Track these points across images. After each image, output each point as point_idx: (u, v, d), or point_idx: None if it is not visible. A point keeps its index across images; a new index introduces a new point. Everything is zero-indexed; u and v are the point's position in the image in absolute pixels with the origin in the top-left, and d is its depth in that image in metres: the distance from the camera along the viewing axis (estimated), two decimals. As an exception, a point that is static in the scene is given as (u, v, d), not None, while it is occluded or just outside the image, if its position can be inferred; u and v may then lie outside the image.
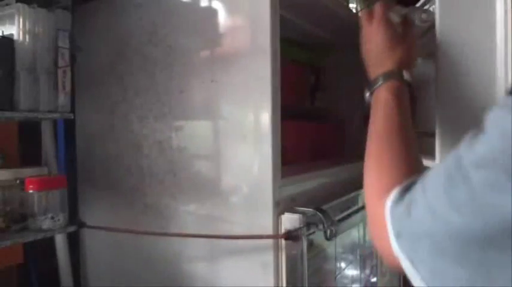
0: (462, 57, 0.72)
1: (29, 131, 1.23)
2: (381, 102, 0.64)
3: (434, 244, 0.39)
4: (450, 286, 0.39)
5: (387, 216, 0.46)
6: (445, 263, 0.38)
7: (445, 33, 0.73)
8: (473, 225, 0.35)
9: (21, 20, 0.92)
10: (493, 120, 0.36)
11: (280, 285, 0.89)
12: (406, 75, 0.66)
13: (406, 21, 0.73)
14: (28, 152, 1.22)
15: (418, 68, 0.76)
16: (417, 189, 0.44)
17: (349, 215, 1.10)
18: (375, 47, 0.69)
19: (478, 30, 0.72)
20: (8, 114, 0.88)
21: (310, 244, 0.93)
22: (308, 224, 0.88)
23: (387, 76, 0.65)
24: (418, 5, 0.84)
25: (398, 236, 0.44)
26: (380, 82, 0.65)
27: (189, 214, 1.02)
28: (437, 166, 0.44)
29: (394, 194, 0.47)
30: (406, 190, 0.46)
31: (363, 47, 0.72)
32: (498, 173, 0.33)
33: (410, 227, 0.42)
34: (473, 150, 0.37)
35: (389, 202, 0.47)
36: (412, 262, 0.42)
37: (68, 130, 1.24)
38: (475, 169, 0.36)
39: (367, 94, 0.68)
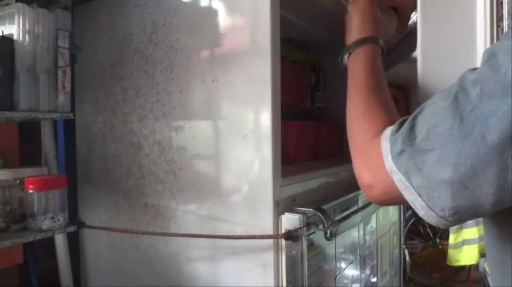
0: (443, 59, 0.73)
1: (29, 131, 1.23)
2: (364, 59, 0.74)
3: (439, 153, 0.45)
4: (437, 193, 0.46)
5: (384, 143, 0.52)
6: (443, 171, 0.44)
7: (426, 35, 0.73)
8: (474, 131, 0.42)
9: (21, 20, 0.92)
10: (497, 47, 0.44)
11: (280, 285, 0.89)
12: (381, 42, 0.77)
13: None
14: (28, 152, 1.23)
15: (399, 72, 0.79)
16: (417, 114, 0.50)
17: (349, 215, 1.10)
18: (360, 16, 0.80)
19: (459, 32, 0.72)
20: (8, 114, 0.88)
21: (310, 244, 0.92)
22: (308, 224, 0.88)
23: (369, 40, 0.76)
24: None
25: (399, 154, 0.49)
26: (362, 43, 0.76)
27: (189, 214, 1.02)
28: (434, 96, 0.50)
29: (390, 128, 0.54)
30: (402, 123, 0.52)
31: (349, 16, 0.83)
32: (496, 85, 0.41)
33: (414, 143, 0.48)
34: (475, 72, 0.44)
35: (387, 131, 0.54)
36: (406, 174, 0.48)
37: (68, 130, 1.24)
38: (473, 86, 0.43)
39: (346, 56, 0.78)
